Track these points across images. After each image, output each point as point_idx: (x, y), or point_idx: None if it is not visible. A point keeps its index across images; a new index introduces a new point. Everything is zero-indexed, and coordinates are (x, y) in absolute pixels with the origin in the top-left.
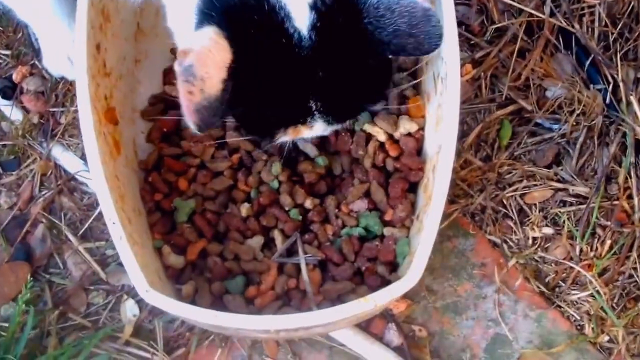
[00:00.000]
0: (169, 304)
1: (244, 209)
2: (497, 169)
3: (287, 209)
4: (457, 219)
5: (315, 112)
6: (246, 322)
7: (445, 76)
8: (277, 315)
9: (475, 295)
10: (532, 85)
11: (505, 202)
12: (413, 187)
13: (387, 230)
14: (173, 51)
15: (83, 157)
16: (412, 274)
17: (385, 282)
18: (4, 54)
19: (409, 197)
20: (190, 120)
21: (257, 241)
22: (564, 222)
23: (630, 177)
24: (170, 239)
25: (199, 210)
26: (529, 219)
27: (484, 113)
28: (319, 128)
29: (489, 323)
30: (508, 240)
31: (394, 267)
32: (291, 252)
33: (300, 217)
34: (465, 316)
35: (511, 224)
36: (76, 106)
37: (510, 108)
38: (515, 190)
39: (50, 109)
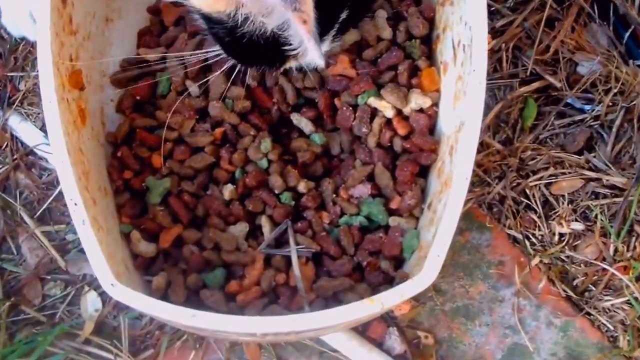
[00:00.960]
0: (139, 301)
1: (227, 191)
2: (519, 154)
3: (277, 192)
4: (471, 209)
5: None
6: (230, 324)
7: (470, 42)
8: (265, 317)
9: (491, 298)
10: (561, 59)
11: (528, 192)
12: (424, 171)
13: (392, 220)
14: (150, 10)
15: (43, 128)
16: (427, 272)
17: (389, 280)
18: None
19: (419, 182)
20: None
21: (241, 228)
22: (596, 216)
23: None
24: (141, 223)
25: (175, 191)
26: (556, 212)
27: (504, 90)
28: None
29: (506, 331)
30: (530, 236)
31: (399, 262)
32: (280, 242)
33: (292, 202)
34: (478, 322)
35: (534, 217)
36: (37, 71)
37: (536, 85)
38: (540, 179)
39: (8, 74)
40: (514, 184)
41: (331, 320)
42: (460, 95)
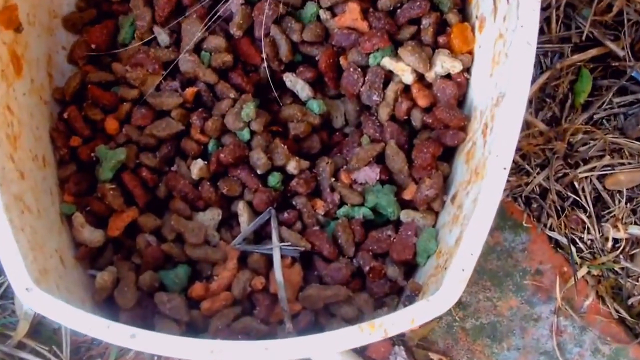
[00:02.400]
0: (60, 312)
1: (197, 167)
2: (567, 137)
3: (259, 172)
4: (504, 204)
5: None
6: (180, 349)
7: None
8: (227, 343)
9: (524, 316)
10: (626, 21)
11: (576, 185)
12: (448, 154)
13: (405, 214)
14: None
15: None
16: (447, 291)
17: (396, 290)
18: None
19: (442, 168)
20: None
21: (211, 216)
22: None
23: None
24: (87, 203)
25: (131, 165)
26: (610, 212)
27: (552, 57)
28: None
29: (541, 357)
30: (577, 241)
31: (410, 269)
32: (261, 236)
33: (279, 186)
34: (507, 344)
35: (583, 217)
36: None
37: (593, 52)
38: (592, 170)
39: None
40: (560, 175)
41: (315, 348)
42: (501, 59)
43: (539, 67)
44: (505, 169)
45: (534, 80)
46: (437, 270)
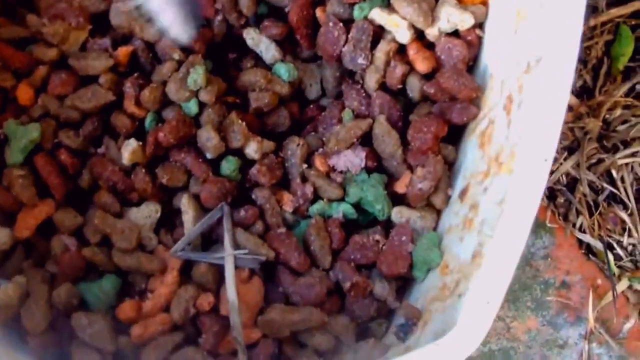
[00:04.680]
0: None
1: (129, 150)
2: (602, 113)
3: (210, 156)
4: None
5: None
6: None
7: None
8: None
9: (546, 341)
10: None
11: (614, 173)
12: (455, 135)
13: (398, 213)
14: None
15: None
16: (467, 328)
17: (386, 313)
18: None
19: (446, 152)
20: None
21: (147, 213)
22: None
23: None
24: None
25: (48, 146)
26: None
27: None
28: None
29: None
30: (615, 245)
31: (404, 284)
32: (210, 240)
33: (235, 175)
34: None
35: (623, 215)
36: None
37: (636, 5)
38: (634, 155)
39: None
40: (593, 161)
41: None
42: (530, 11)
43: None
44: (546, 160)
45: None
46: (443, 292)
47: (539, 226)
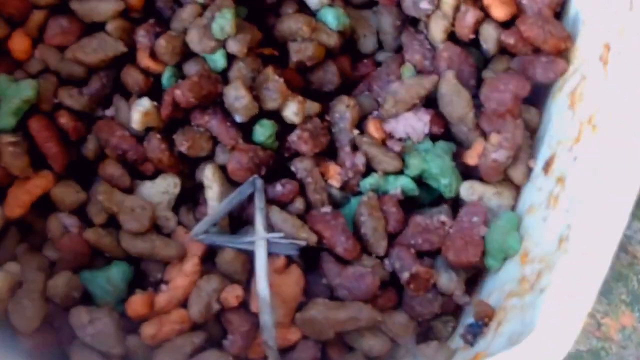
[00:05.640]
0: None
1: (141, 111)
2: None
3: (239, 119)
4: None
5: None
6: None
7: None
8: None
9: None
10: None
11: None
12: (536, 96)
13: (469, 189)
14: None
15: None
16: (547, 332)
17: (453, 311)
18: None
19: (529, 115)
20: None
21: (164, 188)
22: None
23: None
24: None
25: (46, 107)
26: None
27: None
28: None
29: None
30: None
31: (475, 275)
32: (239, 221)
33: (270, 142)
34: None
35: None
36: None
37: None
38: None
39: None
40: None
41: None
42: None
43: None
44: None
45: None
46: (521, 286)
47: (636, 206)
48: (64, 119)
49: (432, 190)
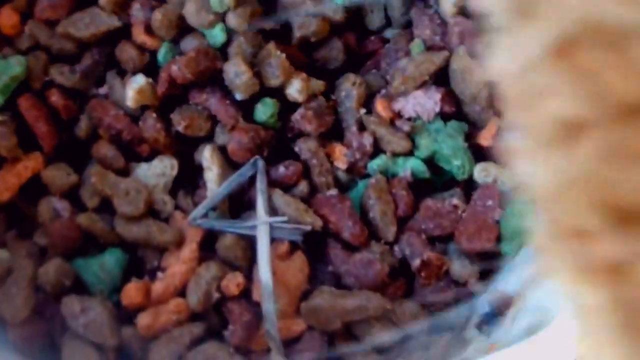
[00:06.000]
0: None
1: (135, 88)
2: None
3: (240, 97)
4: None
5: None
6: None
7: None
8: None
9: None
10: None
11: None
12: None
13: (483, 171)
14: None
15: None
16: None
17: (465, 299)
18: None
19: None
20: None
21: (160, 170)
22: None
23: None
24: None
25: (37, 85)
26: None
27: None
28: None
29: None
30: None
31: (490, 260)
32: (241, 205)
33: (272, 122)
34: None
35: None
36: None
37: None
38: None
39: None
40: None
41: None
42: None
43: None
44: None
45: None
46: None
47: None
48: (54, 97)
49: (443, 173)
